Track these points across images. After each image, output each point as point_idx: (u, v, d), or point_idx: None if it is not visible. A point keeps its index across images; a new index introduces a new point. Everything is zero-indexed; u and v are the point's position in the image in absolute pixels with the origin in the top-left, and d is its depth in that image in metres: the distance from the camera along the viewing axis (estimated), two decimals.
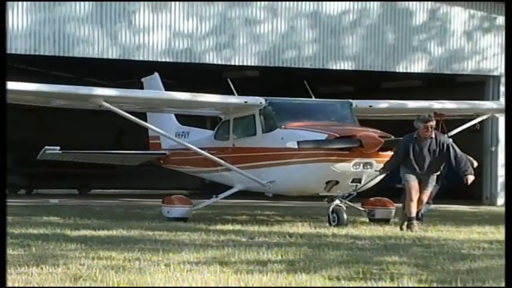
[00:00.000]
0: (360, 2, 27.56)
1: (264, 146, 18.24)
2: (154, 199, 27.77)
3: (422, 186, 16.60)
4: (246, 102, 18.72)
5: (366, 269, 10.29)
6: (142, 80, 23.27)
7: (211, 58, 26.32)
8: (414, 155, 16.41)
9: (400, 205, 17.71)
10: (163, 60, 25.94)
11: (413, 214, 16.52)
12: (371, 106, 19.98)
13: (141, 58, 25.71)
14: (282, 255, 11.76)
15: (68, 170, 30.39)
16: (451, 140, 16.92)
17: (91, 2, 24.99)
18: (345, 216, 17.41)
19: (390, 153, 16.97)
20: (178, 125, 22.51)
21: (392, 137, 17.32)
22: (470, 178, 16.38)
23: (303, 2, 27.12)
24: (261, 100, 18.51)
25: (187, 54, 26.11)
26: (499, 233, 16.22)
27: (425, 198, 16.84)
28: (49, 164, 29.01)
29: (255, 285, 9.09)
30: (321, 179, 17.30)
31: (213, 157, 18.92)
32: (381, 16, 27.80)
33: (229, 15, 26.47)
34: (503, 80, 28.37)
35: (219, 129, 20.07)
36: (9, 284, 8.35)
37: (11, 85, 16.44)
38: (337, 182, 17.26)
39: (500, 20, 28.39)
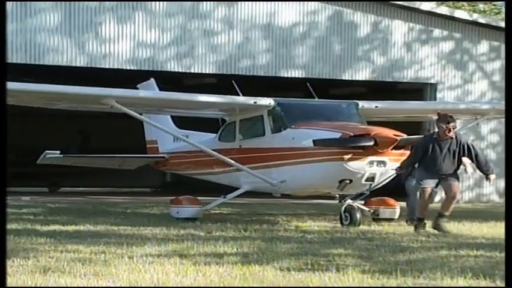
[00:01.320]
0: (310, 16, 27.68)
1: (274, 146, 17.13)
2: (119, 196, 27.75)
3: (447, 186, 15.16)
4: (255, 102, 17.54)
5: (314, 261, 10.32)
6: (138, 86, 22.30)
7: (172, 66, 26.27)
8: (433, 156, 15.05)
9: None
10: (128, 68, 25.87)
11: (422, 215, 15.27)
12: (376, 107, 18.78)
13: (107, 66, 25.60)
14: (237, 248, 11.77)
15: (39, 169, 30.14)
16: (470, 140, 15.89)
17: (60, 14, 24.84)
18: (358, 215, 16.30)
19: (403, 151, 15.88)
20: (175, 129, 21.22)
21: (405, 135, 16.22)
22: (492, 177, 15.31)
23: (258, 15, 27.18)
24: (270, 101, 17.45)
25: (150, 63, 26.05)
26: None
27: (457, 191, 15.29)
28: (20, 164, 28.80)
29: (211, 276, 9.07)
30: (335, 178, 16.11)
31: (225, 158, 17.72)
32: (328, 28, 27.88)
33: (189, 27, 26.47)
34: (439, 87, 28.62)
35: (224, 130, 18.89)
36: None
37: (21, 86, 15.88)
38: (350, 181, 16.07)
39: (437, 32, 28.63)
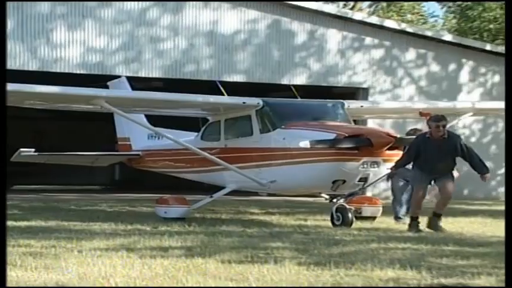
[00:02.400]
0: (250, 24, 27.73)
1: (263, 146, 16.12)
2: (70, 194, 27.48)
3: (442, 185, 14.44)
4: (244, 102, 16.54)
5: (254, 254, 10.32)
6: (108, 83, 21.51)
7: (121, 71, 26.08)
8: (426, 155, 14.27)
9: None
10: (78, 72, 25.68)
11: (416, 214, 14.50)
12: (362, 106, 18.20)
13: (58, 70, 25.35)
14: (181, 242, 11.72)
15: None
16: (463, 139, 14.91)
17: (13, 20, 24.56)
18: (349, 215, 15.34)
19: (396, 152, 15.03)
20: (149, 127, 19.34)
21: (398, 135, 15.58)
22: (487, 176, 14.42)
23: (201, 23, 27.16)
24: (258, 101, 16.46)
25: (99, 67, 25.88)
26: (366, 222, 16.46)
27: (449, 196, 14.50)
28: None
29: (156, 269, 9.02)
30: (328, 179, 15.15)
31: (213, 158, 16.64)
32: (268, 36, 27.94)
33: (136, 34, 26.44)
34: (371, 91, 28.81)
35: (207, 130, 17.79)
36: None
37: (11, 86, 14.73)
38: (344, 182, 15.14)
39: (368, 40, 28.84)
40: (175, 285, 8.05)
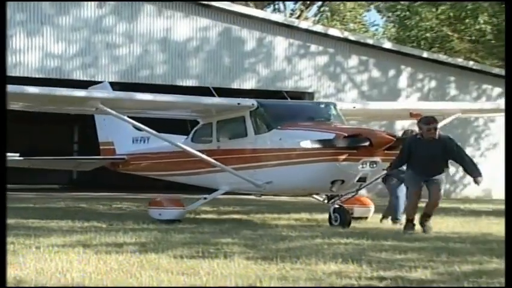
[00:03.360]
0: (202, 32, 27.71)
1: (258, 147, 15.21)
2: (29, 193, 27.14)
3: (432, 188, 13.51)
4: (238, 104, 15.69)
5: (205, 249, 10.29)
6: (89, 88, 19.77)
7: (78, 75, 25.95)
8: (417, 157, 13.41)
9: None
10: (37, 76, 25.44)
11: (411, 216, 13.60)
12: (354, 107, 17.26)
13: (18, 74, 25.06)
14: (135, 239, 11.64)
15: None
16: (455, 141, 13.89)
17: None
18: (347, 215, 14.60)
19: (395, 152, 14.13)
20: (134, 130, 18.40)
21: (397, 135, 14.86)
22: (480, 180, 13.40)
23: (156, 30, 27.10)
24: (252, 102, 15.59)
25: (57, 72, 25.67)
26: (311, 217, 16.53)
27: (438, 198, 13.61)
28: None
29: (111, 264, 8.94)
30: (327, 179, 14.29)
31: (210, 159, 15.56)
32: (219, 43, 27.95)
33: (93, 40, 26.34)
34: (316, 95, 28.92)
35: (197, 132, 16.78)
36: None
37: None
38: (342, 182, 14.32)
39: (313, 47, 28.96)
40: (129, 279, 7.99)
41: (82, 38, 26.20)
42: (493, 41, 37.23)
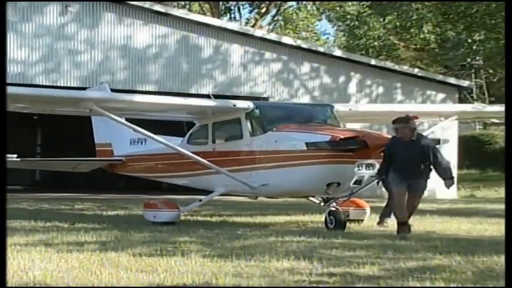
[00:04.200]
0: (161, 39, 27.63)
1: (254, 149, 14.45)
2: None
3: (412, 190, 12.67)
4: (234, 105, 14.99)
5: (163, 247, 10.25)
6: (87, 90, 19.49)
7: (41, 80, 25.65)
8: (397, 158, 12.64)
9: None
10: None
11: (403, 219, 12.69)
12: (350, 109, 16.47)
13: None
14: (96, 237, 11.56)
15: None
16: (433, 143, 13.15)
17: None
18: (342, 218, 13.69)
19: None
20: (131, 132, 17.33)
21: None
22: (448, 183, 12.66)
23: (116, 38, 26.98)
24: (248, 104, 14.89)
25: (20, 77, 25.33)
26: (265, 218, 16.54)
27: (416, 203, 12.91)
28: None
29: (72, 262, 8.85)
30: (323, 181, 13.55)
31: (205, 161, 14.85)
32: (177, 50, 27.88)
33: (56, 47, 26.13)
34: (270, 100, 28.95)
35: (193, 134, 16.03)
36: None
37: None
38: (338, 184, 13.56)
39: (267, 55, 29.00)
40: (89, 277, 7.91)
41: (44, 44, 25.97)
42: (436, 50, 37.62)
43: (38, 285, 7.41)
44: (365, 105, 20.10)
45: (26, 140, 38.27)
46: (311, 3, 51.34)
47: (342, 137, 13.36)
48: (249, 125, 14.70)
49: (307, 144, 13.39)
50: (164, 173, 17.21)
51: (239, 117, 14.86)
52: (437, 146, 13.56)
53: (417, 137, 12.68)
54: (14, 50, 25.36)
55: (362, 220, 15.36)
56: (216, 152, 15.28)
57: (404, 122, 12.74)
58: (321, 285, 7.44)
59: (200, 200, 15.45)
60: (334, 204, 13.96)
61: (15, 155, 17.42)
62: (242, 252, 9.70)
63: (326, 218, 13.84)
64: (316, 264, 8.84)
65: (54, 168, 21.32)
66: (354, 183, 13.53)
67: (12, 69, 25.23)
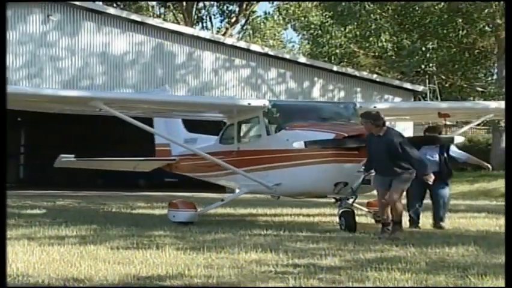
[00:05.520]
0: (138, 46, 27.54)
1: (269, 148, 13.24)
2: None
3: (392, 186, 11.14)
4: (249, 104, 13.89)
5: (139, 241, 10.19)
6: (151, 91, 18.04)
7: (24, 85, 25.38)
8: (370, 155, 11.46)
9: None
10: None
11: (384, 220, 11.33)
12: (375, 107, 14.17)
13: None
14: (76, 232, 11.45)
15: None
16: (402, 137, 11.41)
17: None
18: (352, 220, 12.04)
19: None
20: (186, 132, 16.95)
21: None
22: (427, 178, 11.21)
23: (95, 45, 26.88)
24: (264, 102, 13.76)
25: None
26: (235, 212, 16.51)
27: (392, 197, 11.11)
28: None
29: (54, 255, 8.76)
30: (329, 181, 12.21)
31: (218, 161, 14.10)
32: (153, 56, 27.82)
33: (38, 53, 26.06)
34: None
35: (224, 133, 14.99)
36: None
37: (10, 89, 12.31)
38: (346, 184, 12.12)
39: (237, 61, 28.98)
40: (69, 268, 7.84)
41: (27, 51, 25.97)
42: (393, 57, 37.85)
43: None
44: (390, 103, 17.66)
45: (11, 141, 37.92)
46: (277, 13, 51.43)
47: (346, 134, 12.09)
48: (266, 123, 13.51)
49: (305, 143, 12.21)
50: (204, 173, 16.17)
51: (258, 115, 13.70)
52: (452, 144, 12.82)
53: (385, 132, 11.31)
54: None
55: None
56: (240, 151, 14.17)
57: (365, 116, 11.53)
58: (286, 276, 7.43)
59: (222, 200, 14.59)
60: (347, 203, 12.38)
61: (73, 155, 16.44)
62: (213, 245, 9.66)
63: (339, 219, 12.34)
64: (282, 256, 8.84)
65: (113, 167, 19.67)
66: (363, 183, 11.98)
67: None
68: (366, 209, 14.41)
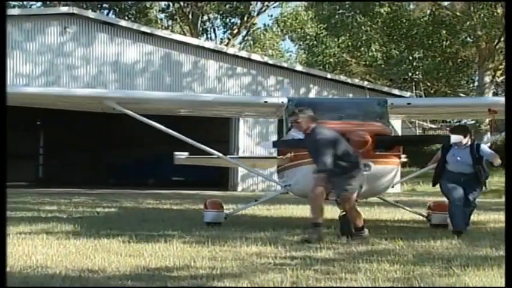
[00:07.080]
0: (147, 56, 27.61)
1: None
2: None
3: (334, 188, 9.71)
4: (265, 102, 12.57)
5: (149, 235, 10.18)
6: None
7: None
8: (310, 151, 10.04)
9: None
10: None
11: (317, 220, 9.63)
12: (409, 104, 12.70)
13: None
14: (90, 227, 11.42)
15: None
16: (328, 135, 9.61)
17: None
18: (345, 226, 10.05)
19: (393, 153, 10.47)
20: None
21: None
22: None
23: (108, 54, 26.97)
24: (282, 100, 12.12)
25: None
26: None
27: (345, 203, 9.76)
28: None
29: (70, 248, 8.76)
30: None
31: (228, 159, 12.87)
32: (161, 65, 27.90)
33: (56, 62, 26.22)
34: None
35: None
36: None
37: (25, 89, 12.08)
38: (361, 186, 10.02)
39: (239, 69, 28.99)
40: (84, 260, 7.84)
41: (46, 60, 26.08)
42: (382, 65, 37.87)
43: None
44: (427, 99, 15.61)
45: (30, 142, 37.89)
46: (276, 25, 51.43)
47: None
48: (285, 121, 11.86)
49: (273, 143, 11.68)
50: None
51: (282, 114, 12.29)
52: (454, 144, 10.71)
53: (311, 130, 9.76)
54: (20, 65, 25.56)
55: (447, 225, 11.24)
56: (278, 150, 12.65)
57: (292, 113, 10.16)
58: (284, 267, 7.44)
59: (256, 200, 13.29)
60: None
61: (187, 153, 15.14)
62: (217, 239, 9.66)
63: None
64: (280, 249, 8.83)
65: (228, 165, 17.76)
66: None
67: (18, 82, 25.19)
68: (424, 213, 12.34)
